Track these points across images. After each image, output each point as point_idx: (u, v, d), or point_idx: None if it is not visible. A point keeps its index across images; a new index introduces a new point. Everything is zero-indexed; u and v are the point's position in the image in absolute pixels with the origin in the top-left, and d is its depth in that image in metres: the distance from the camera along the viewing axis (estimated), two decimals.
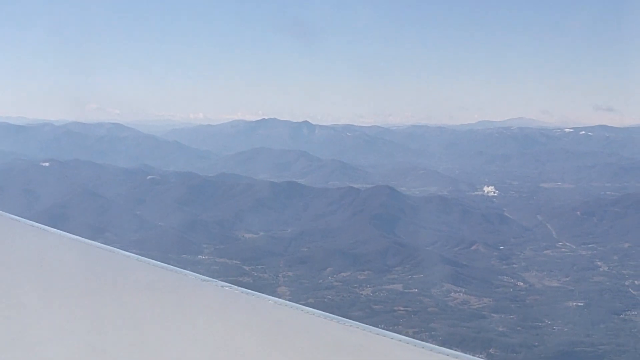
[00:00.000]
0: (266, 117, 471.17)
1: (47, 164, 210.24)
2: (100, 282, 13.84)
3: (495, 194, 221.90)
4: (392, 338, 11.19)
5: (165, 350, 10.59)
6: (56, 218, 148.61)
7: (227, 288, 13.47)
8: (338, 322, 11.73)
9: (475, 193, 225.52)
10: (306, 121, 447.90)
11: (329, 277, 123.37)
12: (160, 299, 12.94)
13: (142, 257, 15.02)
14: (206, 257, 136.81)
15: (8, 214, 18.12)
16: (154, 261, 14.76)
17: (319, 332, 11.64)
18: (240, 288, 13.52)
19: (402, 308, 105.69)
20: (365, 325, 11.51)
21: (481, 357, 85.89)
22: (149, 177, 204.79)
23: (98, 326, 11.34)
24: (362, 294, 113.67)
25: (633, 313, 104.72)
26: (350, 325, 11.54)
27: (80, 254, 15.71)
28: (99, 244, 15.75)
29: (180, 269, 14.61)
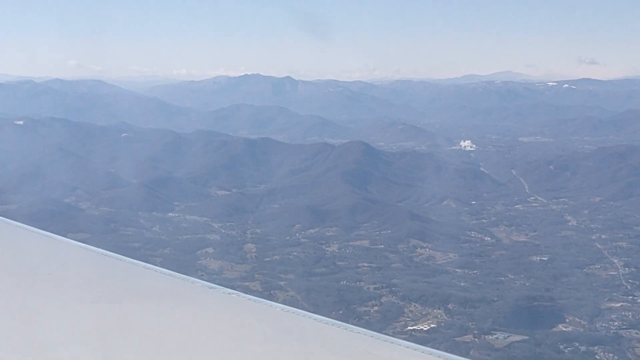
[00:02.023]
0: (249, 73, 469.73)
1: (21, 122, 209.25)
2: (106, 290, 13.83)
3: (473, 149, 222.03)
4: (399, 345, 11.28)
5: (172, 359, 10.66)
6: (27, 176, 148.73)
7: (234, 295, 13.53)
8: (346, 329, 11.82)
9: (453, 148, 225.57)
10: (289, 76, 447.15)
11: (297, 234, 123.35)
12: (166, 306, 13.04)
13: (149, 265, 15.12)
14: (176, 214, 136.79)
15: (15, 222, 18.07)
16: (160, 268, 14.88)
17: (326, 339, 11.67)
18: (247, 295, 13.73)
19: (366, 264, 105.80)
20: (374, 332, 11.65)
21: (439, 312, 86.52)
22: (123, 134, 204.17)
23: (105, 334, 11.40)
24: (328, 251, 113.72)
25: (596, 267, 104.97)
26: (359, 332, 11.66)
27: (87, 261, 15.83)
28: (105, 251, 15.70)
29: (186, 276, 14.61)
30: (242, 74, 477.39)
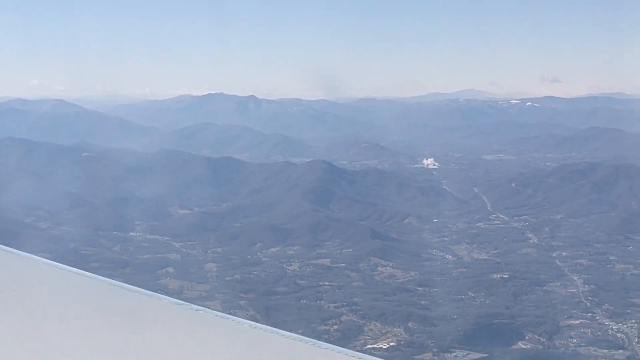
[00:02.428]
0: (213, 92, 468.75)
1: None
2: (74, 307, 13.54)
3: (435, 166, 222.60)
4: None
5: None
6: None
7: (201, 312, 13.29)
8: (314, 344, 11.60)
9: (416, 166, 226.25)
10: (253, 95, 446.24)
11: (258, 253, 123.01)
12: (134, 323, 12.80)
13: (116, 282, 14.75)
14: (138, 233, 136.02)
15: None
16: (126, 285, 14.52)
17: (295, 355, 11.48)
18: (215, 311, 13.45)
19: (327, 283, 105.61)
20: (342, 348, 11.43)
21: (399, 330, 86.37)
22: (85, 154, 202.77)
23: (73, 352, 11.09)
24: (289, 269, 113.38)
25: (556, 284, 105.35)
26: (326, 348, 11.42)
27: (53, 278, 15.40)
28: (72, 268, 15.36)
29: (154, 293, 14.40)
30: (206, 92, 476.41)
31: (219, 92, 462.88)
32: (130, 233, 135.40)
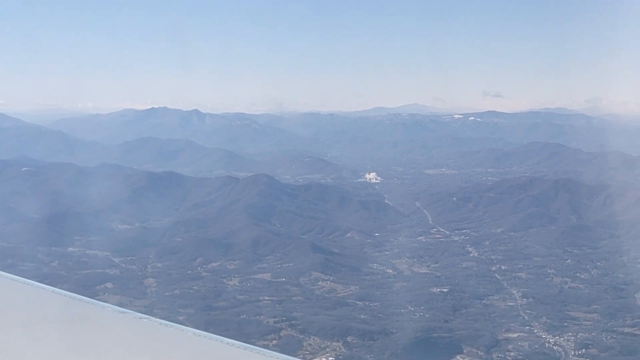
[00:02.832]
0: (156, 106, 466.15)
1: None
2: (17, 315, 13.50)
3: (378, 181, 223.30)
4: None
5: None
6: None
7: (145, 320, 13.35)
8: (258, 352, 11.76)
9: (358, 180, 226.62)
10: (196, 109, 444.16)
11: (198, 268, 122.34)
12: (76, 331, 12.65)
13: (58, 289, 14.80)
14: (77, 249, 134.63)
15: None
16: (69, 293, 14.56)
17: None
18: (158, 319, 13.50)
19: (267, 298, 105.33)
20: (286, 356, 11.60)
21: (338, 345, 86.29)
22: (24, 168, 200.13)
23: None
24: (229, 284, 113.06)
25: (495, 298, 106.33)
26: (271, 356, 11.54)
27: None
28: (15, 276, 15.49)
29: (97, 301, 14.50)
30: (149, 107, 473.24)
31: (162, 106, 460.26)
32: (69, 248, 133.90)
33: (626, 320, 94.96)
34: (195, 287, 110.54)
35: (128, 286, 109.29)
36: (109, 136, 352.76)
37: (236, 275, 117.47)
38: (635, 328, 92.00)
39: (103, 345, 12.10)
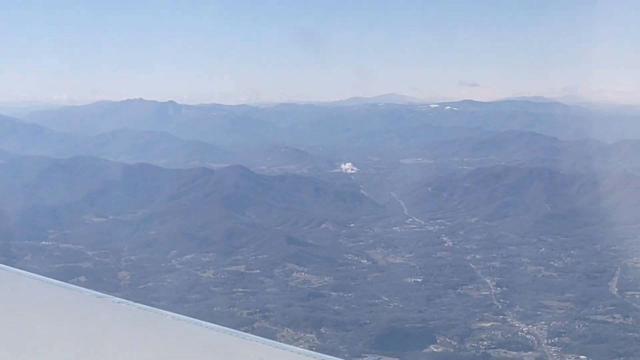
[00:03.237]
0: (131, 98, 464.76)
1: None
2: None
3: (354, 171, 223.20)
4: (292, 351, 11.40)
5: None
6: None
7: (123, 304, 13.35)
8: (237, 336, 11.83)
9: (334, 170, 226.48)
10: (172, 101, 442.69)
11: (172, 260, 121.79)
12: (55, 316, 12.80)
13: (35, 275, 14.77)
14: (50, 242, 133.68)
15: None
16: (47, 278, 14.50)
17: (218, 346, 11.60)
18: (136, 304, 13.45)
19: (240, 290, 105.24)
20: (266, 339, 11.80)
21: (311, 336, 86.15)
22: None
23: None
24: (203, 276, 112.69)
25: (469, 287, 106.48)
26: (250, 340, 11.70)
27: None
28: None
29: (76, 286, 14.49)
30: (125, 98, 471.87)
31: (137, 97, 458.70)
32: (43, 242, 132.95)
33: (599, 308, 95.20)
34: (169, 280, 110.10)
35: (101, 279, 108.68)
36: (83, 128, 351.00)
37: (210, 268, 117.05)
38: (608, 316, 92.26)
39: (82, 329, 12.06)
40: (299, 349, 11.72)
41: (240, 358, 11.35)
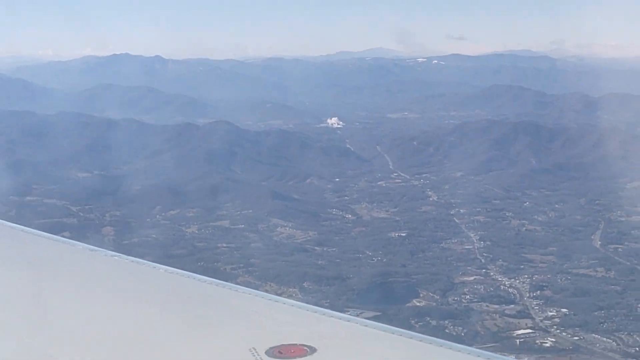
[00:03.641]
0: (118, 53, 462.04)
1: None
2: None
3: (340, 126, 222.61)
4: (284, 304, 11.77)
5: (55, 321, 10.77)
6: None
7: (116, 257, 13.80)
8: (231, 289, 12.26)
9: (321, 125, 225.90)
10: (158, 56, 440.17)
11: (157, 216, 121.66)
12: (49, 269, 12.97)
13: (28, 228, 15.16)
14: (34, 198, 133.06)
15: None
16: (40, 232, 14.99)
17: (212, 299, 11.96)
18: (130, 257, 13.93)
19: (225, 245, 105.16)
20: (259, 292, 12.21)
21: (294, 290, 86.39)
22: None
23: None
24: (187, 232, 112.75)
25: (453, 241, 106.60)
26: (244, 292, 12.12)
27: None
28: None
29: (69, 240, 15.01)
30: (111, 54, 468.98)
31: (124, 52, 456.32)
32: (27, 197, 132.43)
33: (581, 262, 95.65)
34: (154, 235, 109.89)
35: (85, 235, 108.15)
36: (69, 83, 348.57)
37: (195, 223, 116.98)
38: (590, 269, 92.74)
39: (78, 282, 12.28)
40: (291, 301, 12.00)
41: (235, 310, 11.51)
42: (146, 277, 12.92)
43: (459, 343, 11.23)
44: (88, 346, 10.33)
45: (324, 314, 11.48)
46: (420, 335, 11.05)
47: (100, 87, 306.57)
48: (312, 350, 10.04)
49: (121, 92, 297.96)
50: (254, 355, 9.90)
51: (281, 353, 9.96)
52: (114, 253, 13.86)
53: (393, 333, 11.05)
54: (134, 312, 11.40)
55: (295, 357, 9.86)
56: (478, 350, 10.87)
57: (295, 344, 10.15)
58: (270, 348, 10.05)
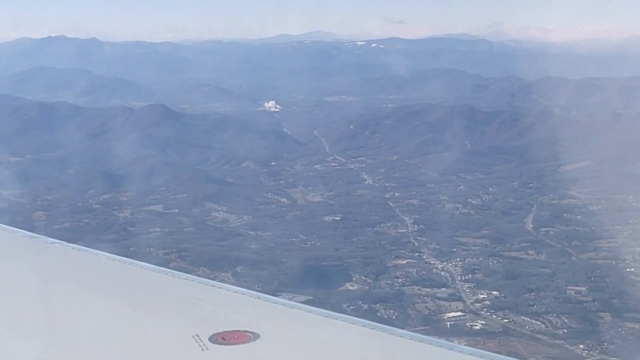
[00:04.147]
0: (53, 35, 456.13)
1: None
2: None
3: (277, 109, 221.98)
4: (226, 290, 11.95)
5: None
6: None
7: (56, 244, 13.79)
8: (173, 275, 12.48)
9: (258, 109, 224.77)
10: (94, 38, 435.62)
11: (90, 200, 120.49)
12: None
13: None
14: None
15: None
16: None
17: (154, 285, 12.12)
18: (70, 244, 13.80)
19: (157, 229, 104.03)
20: (202, 278, 12.37)
21: (227, 275, 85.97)
22: None
23: None
24: (120, 216, 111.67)
25: (387, 225, 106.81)
26: (186, 279, 12.20)
27: None
28: None
29: (8, 227, 15.38)
30: (46, 36, 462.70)
31: (59, 35, 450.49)
32: None
33: (513, 245, 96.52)
34: (86, 220, 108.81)
35: (15, 220, 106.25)
36: (2, 66, 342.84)
37: (128, 207, 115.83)
38: (522, 252, 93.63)
39: (13, 270, 12.21)
40: (234, 287, 12.32)
41: (177, 297, 11.59)
42: (86, 264, 12.87)
43: (390, 326, 11.36)
44: (26, 334, 10.32)
45: (267, 300, 11.62)
46: (363, 320, 11.33)
47: (34, 70, 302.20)
48: (256, 336, 10.14)
49: (55, 74, 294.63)
50: (198, 342, 9.92)
51: (224, 339, 10.07)
52: (54, 240, 13.68)
53: (336, 319, 11.21)
54: (73, 300, 11.26)
55: (238, 343, 9.96)
56: (407, 332, 11.35)
57: (239, 330, 10.25)
58: (214, 334, 10.12)
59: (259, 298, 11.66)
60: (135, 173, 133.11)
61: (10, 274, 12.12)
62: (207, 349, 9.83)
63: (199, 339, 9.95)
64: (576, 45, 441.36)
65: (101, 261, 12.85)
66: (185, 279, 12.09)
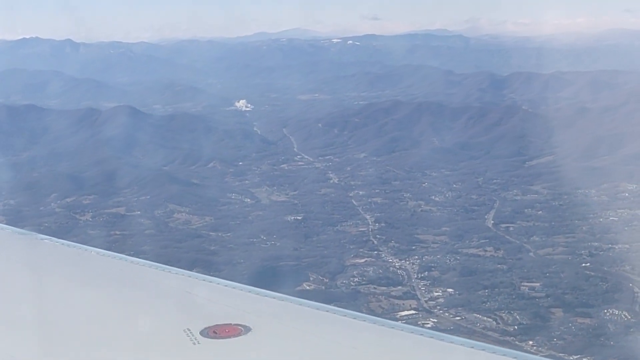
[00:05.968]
0: (27, 37, 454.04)
1: None
2: None
3: (249, 108, 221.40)
4: (217, 284, 12.27)
5: None
6: None
7: (46, 240, 14.10)
8: (164, 270, 12.83)
9: (229, 108, 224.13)
10: (69, 39, 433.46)
11: (52, 204, 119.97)
12: None
13: None
14: None
15: None
16: None
17: (144, 280, 12.54)
18: (60, 240, 14.34)
19: (118, 232, 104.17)
20: (191, 272, 13.04)
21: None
22: None
23: None
24: (81, 220, 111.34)
25: (348, 224, 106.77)
26: (176, 273, 12.64)
27: None
28: None
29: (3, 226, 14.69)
30: (20, 37, 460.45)
31: (34, 36, 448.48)
32: None
33: (472, 241, 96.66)
34: (46, 224, 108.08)
35: None
36: None
37: (90, 210, 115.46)
38: (480, 249, 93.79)
39: (11, 267, 12.48)
40: (224, 281, 12.51)
41: (167, 292, 11.96)
42: (77, 260, 12.97)
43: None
44: (18, 330, 10.43)
45: (257, 294, 12.09)
46: (353, 312, 11.53)
47: (7, 72, 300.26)
48: (247, 329, 10.35)
49: (27, 76, 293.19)
50: (189, 336, 10.10)
51: (216, 333, 10.28)
52: (43, 236, 13.82)
53: (327, 311, 11.51)
54: (65, 295, 11.46)
55: (230, 337, 10.17)
56: (389, 321, 11.83)
57: (230, 324, 10.47)
58: (205, 328, 10.33)
59: (249, 292, 12.22)
60: (99, 175, 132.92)
61: (1, 270, 12.27)
62: (198, 343, 10.00)
63: (190, 333, 10.14)
64: (552, 39, 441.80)
65: (92, 257, 13.01)
66: (176, 273, 12.50)
